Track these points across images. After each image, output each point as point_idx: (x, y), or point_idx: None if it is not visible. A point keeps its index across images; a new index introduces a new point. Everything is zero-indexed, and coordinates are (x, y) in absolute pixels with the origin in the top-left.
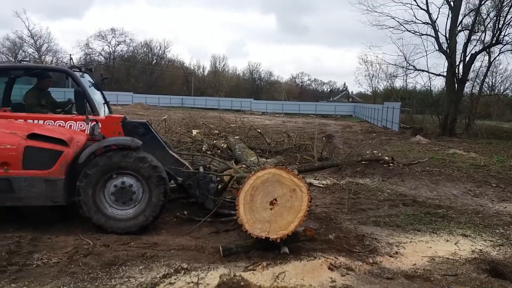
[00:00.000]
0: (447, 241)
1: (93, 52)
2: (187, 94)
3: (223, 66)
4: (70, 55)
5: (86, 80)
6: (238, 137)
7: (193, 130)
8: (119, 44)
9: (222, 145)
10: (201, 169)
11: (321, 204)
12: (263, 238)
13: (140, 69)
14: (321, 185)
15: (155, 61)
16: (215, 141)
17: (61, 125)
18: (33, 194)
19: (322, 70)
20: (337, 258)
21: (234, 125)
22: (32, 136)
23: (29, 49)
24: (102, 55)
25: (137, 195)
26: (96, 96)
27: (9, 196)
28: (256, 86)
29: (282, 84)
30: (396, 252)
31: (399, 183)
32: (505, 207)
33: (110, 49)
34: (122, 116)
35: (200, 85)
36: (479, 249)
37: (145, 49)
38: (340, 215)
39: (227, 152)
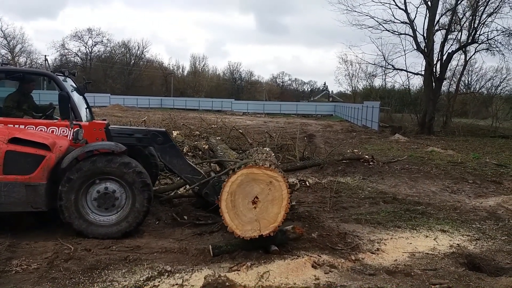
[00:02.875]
0: (427, 236)
1: (69, 53)
2: (166, 95)
3: (203, 66)
4: (45, 56)
5: (69, 84)
6: (219, 138)
7: (173, 132)
8: (96, 44)
9: (204, 146)
10: (212, 174)
11: (304, 203)
12: (257, 237)
13: (118, 70)
14: (307, 185)
15: (133, 61)
16: (196, 142)
17: (43, 130)
18: (13, 200)
19: (303, 69)
20: (320, 256)
21: (215, 126)
22: (14, 140)
23: (2, 50)
24: (78, 56)
25: (120, 201)
26: (79, 100)
27: None
28: (237, 86)
29: (263, 84)
30: (377, 248)
31: (379, 181)
32: (481, 203)
33: (87, 49)
34: (105, 122)
35: (180, 86)
36: (457, 244)
37: (123, 49)
38: (323, 214)
39: (208, 154)
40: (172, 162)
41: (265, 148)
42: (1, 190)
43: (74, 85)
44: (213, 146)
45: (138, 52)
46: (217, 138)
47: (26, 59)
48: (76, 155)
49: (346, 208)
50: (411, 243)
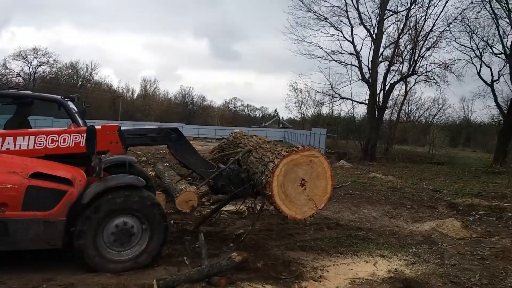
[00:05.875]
0: (367, 262)
1: (11, 73)
2: (113, 118)
3: (154, 89)
4: None
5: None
6: (167, 164)
7: None
8: (41, 65)
9: (150, 173)
10: (221, 165)
11: (251, 231)
12: (316, 212)
13: (63, 92)
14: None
15: (80, 83)
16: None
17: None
18: (30, 237)
19: (255, 95)
20: (264, 286)
21: (164, 151)
22: (36, 175)
23: None
24: (20, 76)
25: (137, 235)
26: (83, 125)
27: (3, 240)
28: (188, 111)
29: (216, 109)
30: (320, 276)
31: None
32: (418, 227)
33: (31, 70)
34: (117, 124)
35: (129, 109)
36: (395, 269)
37: (70, 70)
38: (269, 242)
39: (155, 181)
40: (186, 158)
41: (244, 132)
42: (18, 227)
43: (76, 109)
44: (160, 173)
45: (86, 74)
46: (165, 164)
47: None
48: (99, 190)
49: (292, 235)
50: (352, 269)
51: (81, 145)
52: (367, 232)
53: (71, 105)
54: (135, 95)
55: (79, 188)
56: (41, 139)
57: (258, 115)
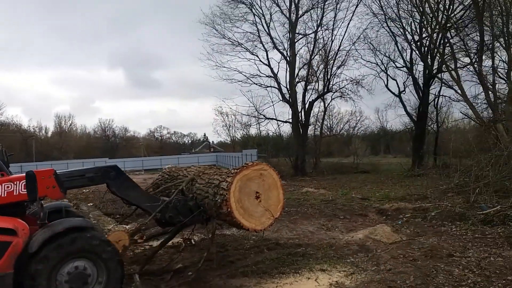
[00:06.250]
0: (309, 278)
1: None
2: (27, 160)
3: (70, 125)
4: None
5: None
6: (92, 204)
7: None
8: None
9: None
10: (165, 198)
11: (190, 264)
12: (273, 221)
13: None
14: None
15: None
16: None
17: None
18: None
19: (181, 122)
20: None
21: (87, 191)
22: None
23: None
24: None
25: (92, 277)
26: None
27: None
28: (110, 144)
29: (140, 139)
30: None
31: None
32: (352, 237)
33: None
34: (53, 169)
35: (44, 149)
36: (335, 281)
37: None
38: (210, 272)
39: None
40: (129, 195)
41: (181, 167)
42: None
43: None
44: (85, 215)
45: None
46: (89, 204)
47: None
48: (46, 237)
49: (233, 261)
50: None
51: (14, 193)
52: (306, 248)
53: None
54: (49, 133)
55: (24, 238)
56: None
57: (187, 141)
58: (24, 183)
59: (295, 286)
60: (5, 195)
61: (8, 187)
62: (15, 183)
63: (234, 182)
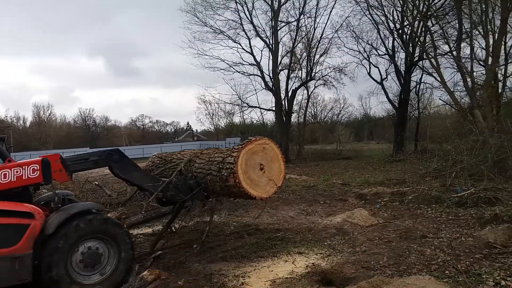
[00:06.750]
0: (286, 261)
1: None
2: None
3: (49, 115)
4: None
5: None
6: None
7: None
8: None
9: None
10: (165, 179)
11: (170, 251)
12: (277, 189)
13: None
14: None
15: None
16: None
17: None
18: None
19: (163, 111)
20: None
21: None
22: None
23: None
24: None
25: (104, 256)
26: None
27: None
28: (91, 133)
29: (122, 128)
30: (242, 283)
31: (244, 214)
32: (331, 221)
33: None
34: (59, 153)
35: (22, 139)
36: (312, 263)
37: None
38: (190, 258)
39: None
40: (132, 176)
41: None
42: None
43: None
44: None
45: None
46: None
47: None
48: (62, 220)
49: (213, 247)
50: (272, 271)
51: (23, 178)
52: (285, 233)
53: (2, 145)
54: (28, 123)
55: (40, 221)
56: None
57: (170, 130)
58: (32, 167)
59: (272, 268)
60: (15, 179)
61: (17, 171)
62: (24, 167)
63: (241, 156)
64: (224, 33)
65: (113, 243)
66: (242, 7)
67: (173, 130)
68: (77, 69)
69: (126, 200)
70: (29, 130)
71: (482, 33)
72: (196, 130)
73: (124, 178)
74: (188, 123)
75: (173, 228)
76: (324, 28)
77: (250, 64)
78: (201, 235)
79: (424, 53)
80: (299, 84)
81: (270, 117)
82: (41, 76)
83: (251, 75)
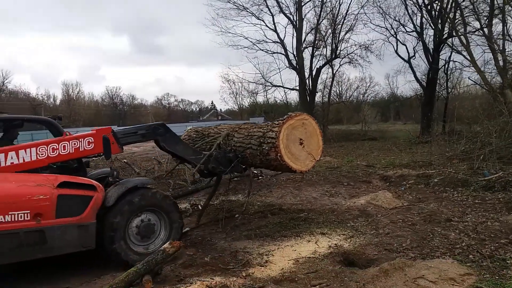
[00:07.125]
0: (309, 241)
1: None
2: (38, 128)
3: (78, 93)
4: None
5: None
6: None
7: None
8: None
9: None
10: (206, 152)
11: (197, 228)
12: (315, 163)
13: None
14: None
15: None
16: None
17: None
18: (66, 242)
19: (188, 89)
20: (212, 278)
21: (97, 157)
22: (63, 184)
23: None
24: None
25: (157, 227)
26: None
27: (42, 248)
28: (118, 112)
29: (148, 107)
30: (266, 261)
31: (267, 194)
32: (354, 202)
33: None
34: (110, 127)
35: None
36: (335, 244)
37: None
38: (215, 235)
39: None
40: (176, 148)
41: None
42: (54, 234)
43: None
44: None
45: None
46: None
47: None
48: (121, 192)
49: (238, 226)
50: (295, 250)
51: (80, 150)
52: (308, 213)
53: (58, 124)
54: (58, 101)
55: (102, 193)
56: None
57: (194, 109)
58: (87, 140)
59: (295, 248)
60: (73, 151)
61: (75, 143)
62: (80, 140)
63: (282, 131)
64: (247, 10)
65: (164, 215)
66: None
67: (197, 109)
68: (103, 46)
69: (154, 177)
70: (59, 108)
71: None
72: (220, 109)
73: (169, 150)
74: (212, 102)
75: (199, 206)
76: (350, 3)
77: (273, 42)
78: (241, 206)
79: (454, 30)
80: (323, 63)
81: (293, 96)
82: (68, 53)
83: (274, 53)
